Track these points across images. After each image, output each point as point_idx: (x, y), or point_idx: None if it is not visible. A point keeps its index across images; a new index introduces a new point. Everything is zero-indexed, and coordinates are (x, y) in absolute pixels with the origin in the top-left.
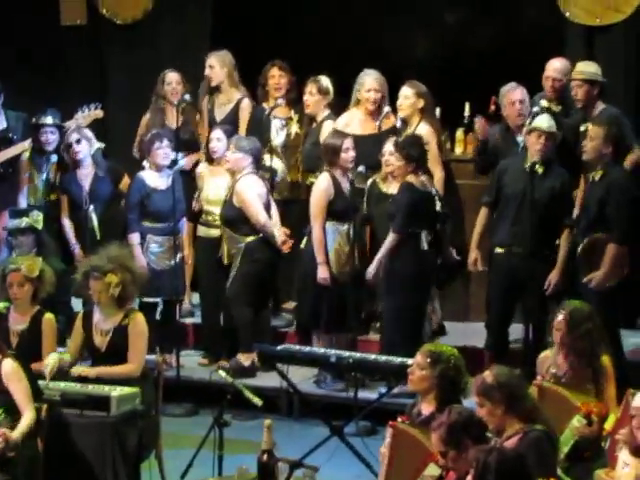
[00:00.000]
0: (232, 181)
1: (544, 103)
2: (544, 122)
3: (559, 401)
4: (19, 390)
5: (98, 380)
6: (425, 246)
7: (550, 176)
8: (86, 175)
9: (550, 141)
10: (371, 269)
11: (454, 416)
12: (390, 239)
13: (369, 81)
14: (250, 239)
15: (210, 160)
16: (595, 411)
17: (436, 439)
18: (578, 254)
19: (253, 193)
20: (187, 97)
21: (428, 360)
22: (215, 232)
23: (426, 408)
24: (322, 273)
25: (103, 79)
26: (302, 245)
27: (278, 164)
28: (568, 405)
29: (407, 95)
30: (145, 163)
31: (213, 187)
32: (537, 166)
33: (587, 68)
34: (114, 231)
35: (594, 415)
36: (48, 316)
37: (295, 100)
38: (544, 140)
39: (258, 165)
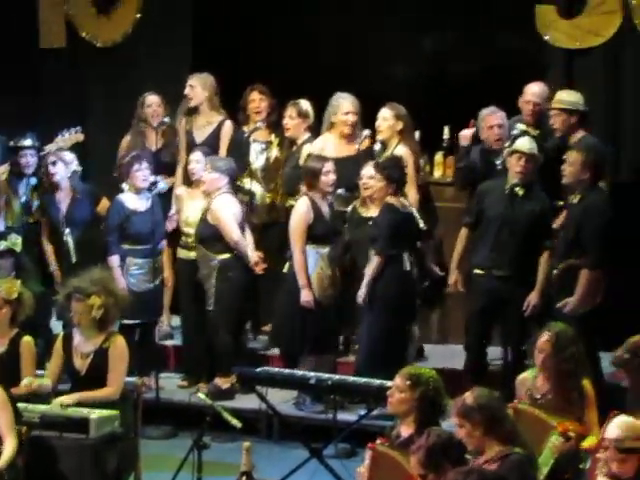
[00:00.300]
0: (208, 200)
1: (521, 126)
2: (525, 144)
3: (535, 422)
4: (3, 418)
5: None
6: (408, 267)
7: (530, 199)
8: (64, 198)
9: (530, 163)
10: (361, 294)
11: (433, 439)
12: (374, 262)
13: (346, 104)
14: (224, 256)
15: (189, 182)
16: (571, 429)
17: (415, 462)
18: (553, 279)
19: (228, 211)
20: (167, 120)
21: (407, 383)
22: (194, 254)
23: (405, 430)
24: (305, 297)
25: (83, 102)
26: (285, 269)
27: (257, 188)
28: (544, 425)
29: (386, 117)
30: (124, 185)
31: (192, 209)
32: (517, 188)
33: (566, 97)
34: (93, 254)
35: (571, 432)
36: (27, 339)
37: (276, 123)
38: (524, 162)
39: (234, 186)
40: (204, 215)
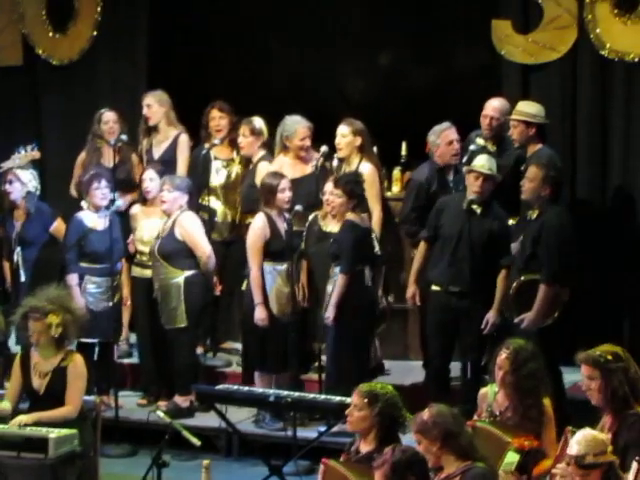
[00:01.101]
0: (168, 218)
1: (479, 141)
2: (484, 164)
3: (491, 438)
4: None
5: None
6: (369, 282)
7: (488, 217)
8: (19, 217)
9: (488, 183)
10: (330, 314)
11: (398, 454)
12: (340, 281)
13: (301, 130)
14: (189, 273)
15: (143, 200)
16: (527, 444)
17: (380, 476)
18: (510, 294)
19: (198, 226)
20: (124, 137)
21: (365, 400)
22: (150, 272)
23: (364, 447)
24: (259, 314)
25: (40, 120)
26: (243, 287)
27: (218, 205)
28: (500, 441)
29: (344, 133)
30: (83, 203)
31: (147, 228)
32: (475, 206)
33: (525, 108)
34: (47, 273)
35: (526, 448)
36: None
37: (236, 141)
38: (481, 182)
39: (191, 203)
40: (166, 232)
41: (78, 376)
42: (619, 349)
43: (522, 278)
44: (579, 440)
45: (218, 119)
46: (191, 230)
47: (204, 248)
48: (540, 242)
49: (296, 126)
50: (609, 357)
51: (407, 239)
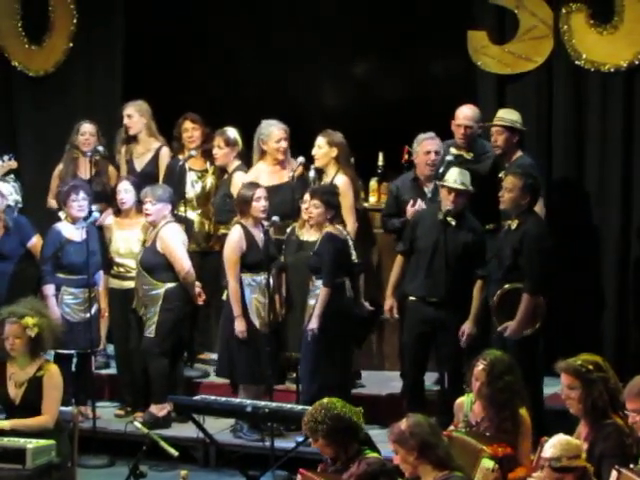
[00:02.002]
0: (153, 228)
1: (454, 151)
2: (454, 178)
3: (465, 448)
4: None
5: (14, 432)
6: (350, 293)
7: (463, 229)
8: None
9: (460, 197)
10: (313, 326)
11: (363, 467)
12: (323, 293)
13: (276, 132)
14: (170, 285)
15: (117, 212)
16: (500, 450)
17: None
18: (493, 304)
19: (178, 240)
20: (100, 149)
21: (309, 432)
22: (128, 283)
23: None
24: (239, 326)
25: (15, 131)
26: (224, 297)
27: (193, 216)
28: (473, 449)
29: (320, 144)
30: (61, 214)
31: (122, 239)
32: (449, 218)
33: (508, 115)
34: (23, 287)
35: (500, 455)
36: None
37: (210, 152)
38: (454, 197)
39: (174, 212)
40: (149, 243)
41: (54, 386)
42: (599, 359)
43: (506, 287)
44: (554, 444)
45: (191, 130)
46: (171, 244)
47: (183, 263)
48: (522, 252)
49: (271, 128)
50: (590, 367)
51: (384, 249)
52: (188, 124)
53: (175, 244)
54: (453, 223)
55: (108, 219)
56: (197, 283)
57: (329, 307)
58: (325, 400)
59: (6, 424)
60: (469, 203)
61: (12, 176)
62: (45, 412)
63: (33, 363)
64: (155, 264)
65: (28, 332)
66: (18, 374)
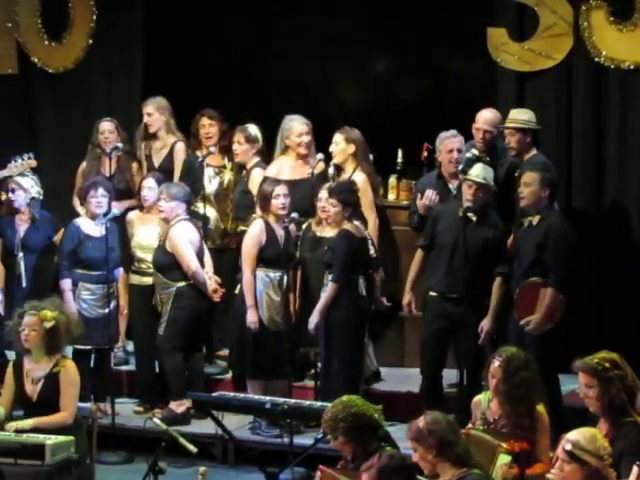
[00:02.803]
0: (166, 227)
1: (475, 152)
2: (479, 174)
3: (482, 444)
4: None
5: (35, 431)
6: (363, 292)
7: (484, 225)
8: (22, 223)
9: (482, 192)
10: (313, 320)
11: (385, 460)
12: (330, 289)
13: (298, 126)
14: (180, 284)
15: (141, 208)
16: (517, 446)
17: (374, 476)
18: (515, 297)
19: (185, 240)
20: (120, 145)
21: (328, 430)
22: (148, 279)
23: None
24: (251, 317)
25: (35, 128)
26: (236, 291)
27: (211, 212)
28: (490, 445)
29: (337, 141)
30: (81, 209)
31: (144, 234)
32: (470, 214)
33: (519, 116)
34: (45, 281)
35: (517, 450)
36: None
37: (228, 148)
38: (474, 191)
39: (189, 210)
40: (162, 242)
41: (71, 383)
42: (616, 356)
43: (525, 281)
44: (581, 431)
45: (208, 127)
46: (178, 244)
47: (189, 263)
48: (546, 247)
49: (292, 123)
50: (607, 365)
51: (403, 246)
52: (205, 120)
53: (182, 244)
54: (474, 219)
55: (130, 214)
56: (215, 278)
57: (340, 304)
58: (345, 398)
59: (27, 424)
60: (491, 200)
61: (29, 169)
62: (63, 409)
63: (49, 359)
64: (165, 263)
65: (44, 324)
66: (34, 370)
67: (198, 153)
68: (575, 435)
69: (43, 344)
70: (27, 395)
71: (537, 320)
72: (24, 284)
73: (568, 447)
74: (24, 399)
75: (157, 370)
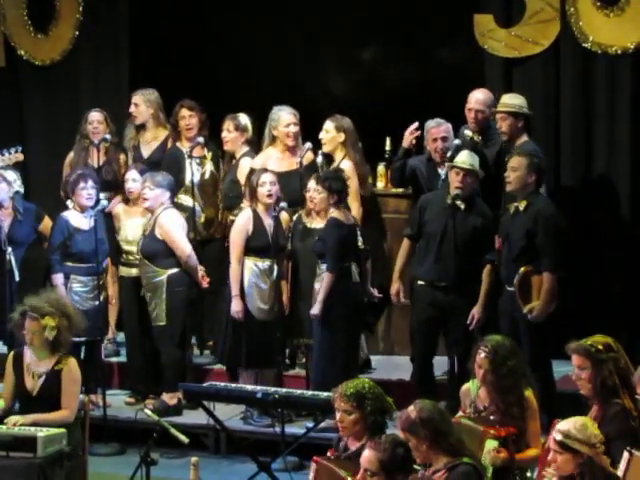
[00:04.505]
0: (152, 215)
1: (468, 132)
2: (465, 160)
3: (471, 432)
4: None
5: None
6: (357, 278)
7: (472, 213)
8: (6, 217)
9: (470, 178)
10: (315, 311)
11: (401, 449)
12: (326, 279)
13: (285, 116)
14: (171, 271)
15: (126, 200)
16: (503, 430)
17: (374, 457)
18: (515, 286)
19: (176, 225)
20: (108, 137)
21: (354, 404)
22: (137, 271)
23: (352, 443)
24: (235, 306)
25: (23, 121)
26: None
27: (195, 204)
28: (477, 432)
29: (328, 129)
30: (69, 203)
31: (130, 227)
32: (458, 202)
33: (511, 100)
34: (36, 273)
35: (504, 434)
36: None
37: (208, 139)
38: (462, 177)
39: (173, 199)
40: (148, 231)
41: (73, 381)
42: (610, 340)
43: (523, 269)
44: (571, 420)
45: (188, 118)
46: (169, 230)
47: (183, 247)
48: (537, 234)
49: (280, 113)
50: (600, 347)
51: (393, 234)
52: (185, 112)
53: (174, 229)
54: (462, 207)
55: (117, 207)
56: (200, 267)
57: (335, 292)
58: (364, 379)
59: (27, 419)
60: (478, 188)
61: (11, 164)
62: (65, 406)
63: (52, 356)
64: (156, 251)
65: (46, 333)
66: (36, 365)
67: (178, 144)
68: (565, 425)
69: (46, 346)
70: (27, 389)
71: (540, 307)
72: (17, 278)
73: (559, 437)
74: (23, 393)
75: (148, 361)
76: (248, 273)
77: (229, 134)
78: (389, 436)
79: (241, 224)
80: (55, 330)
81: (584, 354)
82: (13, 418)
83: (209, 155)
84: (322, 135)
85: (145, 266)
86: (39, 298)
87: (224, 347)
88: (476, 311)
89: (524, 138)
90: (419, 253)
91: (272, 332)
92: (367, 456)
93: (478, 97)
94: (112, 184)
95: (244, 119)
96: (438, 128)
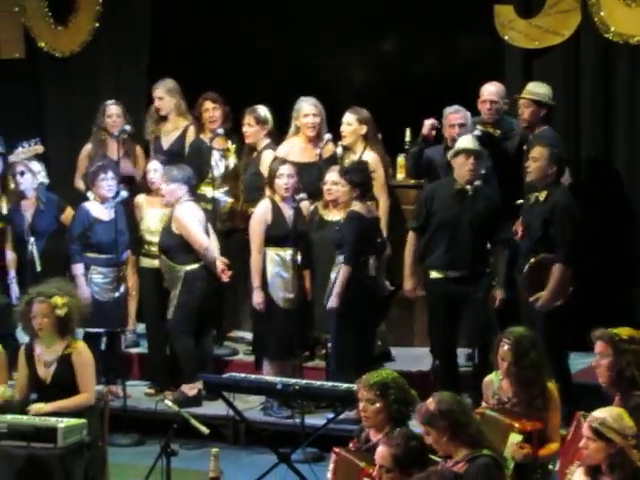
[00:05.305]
0: (170, 210)
1: (480, 128)
2: (469, 142)
3: (496, 424)
4: None
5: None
6: (373, 272)
7: (480, 197)
8: (29, 207)
9: (479, 160)
10: (332, 304)
11: (414, 442)
12: (342, 271)
13: (306, 107)
14: (189, 267)
15: (148, 191)
16: (530, 425)
17: (387, 453)
18: (523, 275)
19: (192, 218)
20: (127, 128)
21: (377, 392)
22: (158, 262)
23: (374, 435)
24: (256, 298)
25: (42, 112)
26: None
27: (218, 195)
28: (503, 425)
29: (349, 122)
30: (90, 194)
31: (152, 217)
32: (468, 187)
33: (537, 89)
34: (56, 264)
35: (529, 429)
36: None
37: (231, 131)
38: (473, 159)
39: (193, 192)
40: (166, 225)
41: (85, 363)
42: (636, 332)
43: (535, 258)
44: (607, 409)
45: (211, 110)
46: (185, 223)
47: (200, 241)
48: (553, 223)
49: (302, 104)
50: (624, 337)
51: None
52: (208, 104)
53: (189, 223)
54: (470, 193)
55: (138, 197)
56: (222, 259)
57: (351, 285)
58: (388, 370)
59: (47, 407)
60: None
61: (35, 156)
62: (83, 390)
63: (61, 342)
64: (172, 245)
65: (57, 312)
66: (46, 353)
67: (202, 136)
68: (602, 413)
69: (56, 330)
70: (40, 378)
71: (546, 296)
72: (38, 268)
73: (595, 424)
74: (37, 382)
75: (168, 352)
76: (270, 263)
77: (250, 128)
78: (401, 430)
79: (260, 214)
80: (66, 307)
81: (607, 341)
82: (36, 406)
83: (233, 147)
84: (343, 127)
85: (164, 260)
86: (43, 285)
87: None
88: (498, 293)
89: (543, 127)
90: (428, 244)
91: (296, 322)
92: (381, 452)
93: (491, 89)
94: (131, 176)
95: (263, 111)
96: (456, 114)
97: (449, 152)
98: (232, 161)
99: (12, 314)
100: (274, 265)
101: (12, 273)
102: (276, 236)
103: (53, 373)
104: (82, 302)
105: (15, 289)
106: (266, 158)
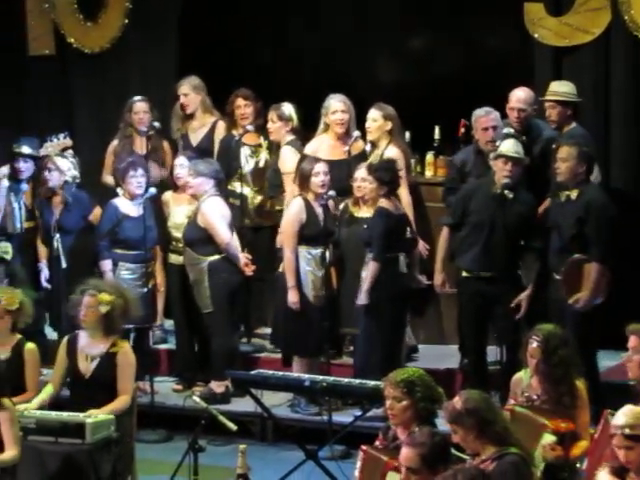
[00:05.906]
0: (195, 204)
1: (509, 130)
2: (510, 148)
3: (528, 422)
4: (10, 433)
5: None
6: (404, 269)
7: (518, 201)
8: (57, 204)
9: (517, 166)
10: (361, 301)
11: (440, 440)
12: (372, 268)
13: (334, 103)
14: (212, 258)
15: (175, 187)
16: (563, 426)
17: (412, 454)
18: (561, 275)
19: (217, 213)
20: (156, 124)
21: (404, 390)
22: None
23: (402, 432)
24: (292, 297)
25: (71, 108)
26: (280, 269)
27: (247, 191)
28: (536, 424)
29: (375, 118)
30: (119, 190)
31: (179, 214)
32: (507, 192)
33: (560, 88)
34: (84, 261)
35: (563, 430)
36: (30, 346)
37: (263, 127)
38: (510, 166)
39: (221, 187)
40: (191, 218)
41: (129, 364)
42: None
43: (573, 257)
44: (626, 412)
45: (243, 107)
46: (209, 217)
47: (222, 235)
48: (588, 222)
49: (330, 101)
50: None
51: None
52: (240, 101)
53: (214, 217)
54: (510, 196)
55: (165, 194)
56: (243, 254)
57: (380, 282)
58: (415, 368)
59: (100, 412)
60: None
61: (71, 152)
62: (123, 392)
63: (106, 339)
64: (197, 238)
65: (99, 307)
66: (90, 347)
67: (234, 132)
68: (621, 419)
69: (99, 325)
70: (80, 372)
71: (586, 297)
72: (63, 264)
73: (629, 432)
74: (76, 375)
75: (196, 348)
76: (303, 261)
77: (273, 124)
78: (423, 429)
79: (294, 213)
80: (108, 306)
81: None
82: (90, 412)
83: (265, 143)
84: (369, 124)
85: (187, 253)
86: (102, 281)
87: (278, 335)
88: (523, 298)
89: (572, 125)
90: (463, 243)
91: (325, 320)
92: (405, 453)
93: (519, 95)
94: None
95: (288, 109)
96: (487, 117)
97: (491, 154)
98: (264, 157)
99: (40, 311)
100: (306, 263)
101: (43, 261)
102: (309, 235)
103: (94, 369)
104: (131, 305)
105: (46, 272)
106: (284, 155)
